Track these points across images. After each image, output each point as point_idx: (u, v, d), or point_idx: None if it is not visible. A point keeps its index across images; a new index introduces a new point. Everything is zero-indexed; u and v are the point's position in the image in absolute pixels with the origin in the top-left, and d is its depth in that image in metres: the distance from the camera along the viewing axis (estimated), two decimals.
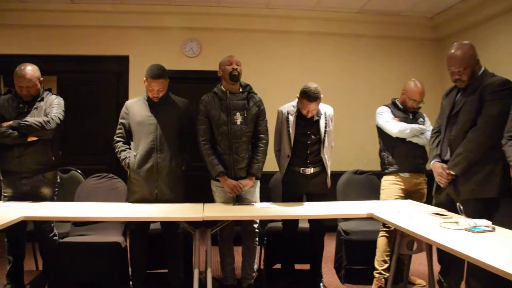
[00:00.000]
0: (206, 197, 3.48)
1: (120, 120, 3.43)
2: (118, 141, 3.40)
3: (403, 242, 2.85)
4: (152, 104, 3.35)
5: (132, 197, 3.37)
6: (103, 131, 5.46)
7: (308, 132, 3.46)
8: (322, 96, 3.32)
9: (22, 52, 5.47)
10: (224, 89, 3.39)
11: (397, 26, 6.06)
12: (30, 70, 3.36)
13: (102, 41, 5.74)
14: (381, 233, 3.60)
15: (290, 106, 3.53)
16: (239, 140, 3.33)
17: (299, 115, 3.45)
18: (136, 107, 3.38)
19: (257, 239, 3.52)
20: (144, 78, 3.29)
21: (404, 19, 6.02)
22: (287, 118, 3.49)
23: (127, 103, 3.46)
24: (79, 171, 4.21)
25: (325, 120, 3.50)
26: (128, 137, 3.42)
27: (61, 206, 3.27)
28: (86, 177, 4.00)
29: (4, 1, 5.47)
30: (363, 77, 6.03)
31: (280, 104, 3.65)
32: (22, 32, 5.67)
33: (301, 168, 3.48)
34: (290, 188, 3.57)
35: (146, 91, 3.32)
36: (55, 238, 3.54)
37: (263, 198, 3.65)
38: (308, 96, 3.27)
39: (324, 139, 3.47)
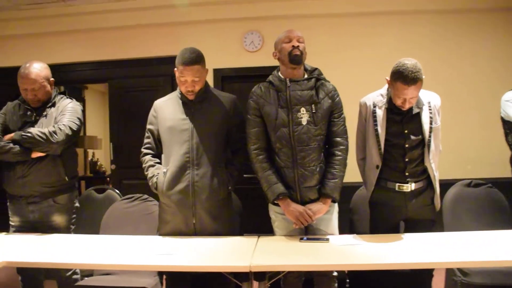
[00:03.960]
0: (264, 220, 2.58)
1: (148, 126, 2.62)
2: (146, 154, 2.59)
3: None
4: (187, 103, 2.50)
5: (163, 229, 2.52)
6: None
7: (406, 131, 2.42)
8: (423, 77, 2.28)
9: (70, 61, 5.17)
10: (282, 76, 2.45)
11: None
12: (36, 68, 2.66)
13: (152, 42, 5.17)
14: None
15: (377, 96, 2.52)
16: (306, 146, 2.35)
17: (391, 107, 2.44)
18: (167, 108, 2.55)
19: (336, 285, 2.51)
20: (175, 68, 2.46)
21: None
22: (374, 112, 2.48)
23: (156, 103, 2.64)
24: (116, 190, 3.48)
25: (430, 112, 2.44)
26: (159, 148, 2.60)
27: (70, 241, 2.50)
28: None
29: (48, 7, 5.09)
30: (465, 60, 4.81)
31: (357, 97, 2.67)
32: (65, 39, 5.25)
33: (397, 184, 2.46)
34: (381, 213, 2.54)
35: (178, 84, 2.48)
36: (75, 276, 2.81)
37: (342, 225, 2.66)
38: (405, 77, 2.24)
39: (429, 140, 2.41)
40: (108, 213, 3.00)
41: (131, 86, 5.15)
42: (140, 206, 2.97)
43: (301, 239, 2.32)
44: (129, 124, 5.01)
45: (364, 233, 2.51)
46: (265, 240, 2.34)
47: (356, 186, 3.15)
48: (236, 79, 4.85)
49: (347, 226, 3.08)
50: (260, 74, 4.86)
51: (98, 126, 8.19)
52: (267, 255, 2.07)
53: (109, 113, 5.17)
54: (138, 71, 5.16)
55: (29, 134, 2.54)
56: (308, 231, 2.44)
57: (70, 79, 5.28)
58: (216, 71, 4.86)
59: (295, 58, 2.39)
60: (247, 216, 3.07)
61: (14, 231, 2.75)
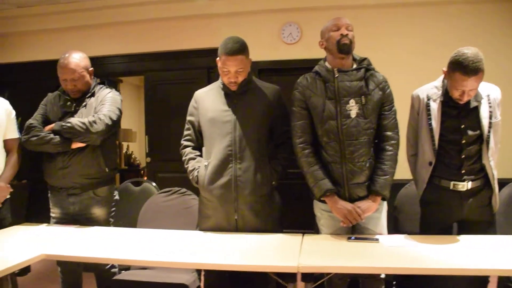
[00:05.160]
0: (307, 218, 2.45)
1: (188, 118, 2.53)
2: (186, 146, 2.50)
3: None
4: (230, 94, 2.39)
5: (204, 224, 2.44)
6: None
7: (463, 126, 2.25)
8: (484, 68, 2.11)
9: (106, 53, 5.15)
10: (329, 66, 2.32)
11: None
12: (75, 58, 2.61)
13: (188, 34, 5.10)
14: None
15: (431, 88, 2.35)
16: (355, 141, 2.22)
17: (447, 100, 2.27)
18: (208, 99, 2.45)
19: (383, 287, 2.38)
20: (218, 57, 2.36)
21: None
22: (428, 105, 2.32)
23: (197, 93, 2.55)
24: (153, 183, 3.41)
25: (489, 106, 2.26)
26: (200, 140, 2.51)
27: (109, 234, 2.45)
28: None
29: (85, 0, 5.11)
30: None
31: (407, 90, 2.50)
32: (102, 33, 5.25)
33: (452, 182, 2.29)
34: (433, 213, 2.38)
35: (221, 74, 2.38)
36: (113, 270, 2.77)
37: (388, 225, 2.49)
38: (464, 67, 2.07)
39: (488, 136, 2.24)
40: (146, 207, 2.94)
41: (167, 79, 5.09)
42: (178, 200, 2.89)
43: (349, 238, 2.18)
44: (164, 117, 4.97)
45: (410, 233, 2.36)
46: (310, 239, 2.21)
47: (401, 183, 2.99)
48: (274, 72, 4.73)
49: (391, 225, 2.93)
50: (298, 66, 4.77)
51: (132, 119, 8.23)
52: (314, 255, 1.95)
53: (145, 106, 5.13)
54: (174, 63, 5.10)
55: (69, 124, 2.50)
56: (355, 230, 2.31)
57: (106, 72, 5.26)
58: (253, 64, 4.70)
59: (344, 47, 2.25)
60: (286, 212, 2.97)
61: (55, 223, 2.72)
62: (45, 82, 4.97)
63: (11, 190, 2.58)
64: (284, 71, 4.76)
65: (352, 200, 2.24)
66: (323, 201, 2.28)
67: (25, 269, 3.48)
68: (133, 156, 7.91)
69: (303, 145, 2.28)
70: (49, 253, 2.04)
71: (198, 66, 5.03)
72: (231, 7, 4.93)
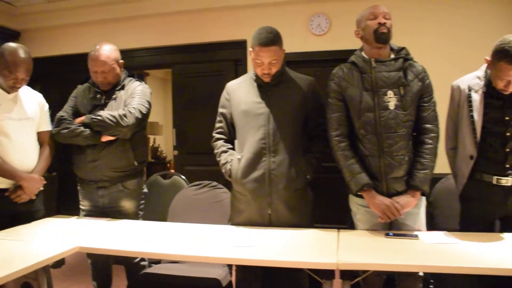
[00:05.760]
0: (342, 213, 2.39)
1: (220, 110, 2.48)
2: (218, 139, 2.46)
3: None
4: (263, 86, 2.34)
5: (236, 218, 2.40)
6: None
7: (507, 118, 2.15)
8: None
9: (134, 47, 5.14)
10: (366, 56, 2.24)
11: None
12: (106, 50, 2.60)
13: (215, 26, 5.05)
14: None
15: (472, 79, 2.25)
16: (394, 133, 2.13)
17: (490, 91, 2.17)
18: (240, 91, 2.40)
19: (421, 285, 2.29)
20: (250, 48, 2.30)
21: None
22: (469, 96, 2.22)
23: (229, 85, 2.49)
24: (182, 176, 3.39)
25: None
26: (232, 133, 2.46)
27: (140, 228, 2.44)
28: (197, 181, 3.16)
29: None
30: None
31: (447, 80, 2.40)
32: (130, 25, 5.25)
33: (495, 177, 2.19)
34: (474, 209, 2.28)
35: (254, 66, 2.32)
36: (142, 263, 2.77)
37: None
38: (511, 56, 1.96)
39: None
40: (176, 200, 2.92)
41: (194, 71, 5.06)
42: (209, 193, 2.85)
43: (387, 234, 2.11)
44: (192, 109, 4.95)
45: (446, 230, 2.27)
46: (347, 235, 2.15)
47: (437, 177, 2.89)
48: (302, 64, 4.64)
49: (426, 220, 2.84)
50: (326, 58, 4.69)
51: (158, 112, 8.26)
52: (352, 251, 1.88)
53: (172, 98, 5.12)
54: (201, 56, 5.07)
55: (99, 117, 2.49)
56: (392, 226, 2.23)
57: (134, 65, 5.27)
58: None
59: (382, 36, 2.17)
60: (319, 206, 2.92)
61: (85, 215, 2.73)
62: (74, 75, 5.03)
63: (45, 182, 2.59)
64: (313, 63, 4.68)
65: (390, 195, 2.16)
66: (360, 196, 2.21)
67: (60, 262, 3.51)
68: (159, 149, 7.95)
69: (339, 138, 2.21)
70: (83, 246, 2.03)
71: (226, 58, 4.98)
72: None
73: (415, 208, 2.18)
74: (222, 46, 5.05)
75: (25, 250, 1.95)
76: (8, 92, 2.50)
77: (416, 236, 2.08)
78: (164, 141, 8.40)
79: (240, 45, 4.96)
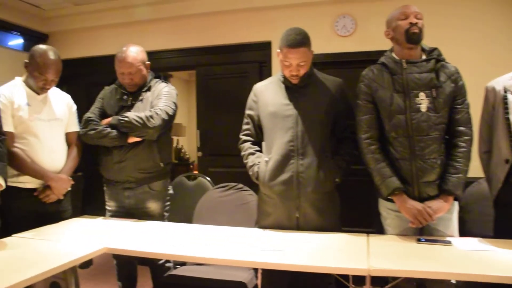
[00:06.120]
0: (370, 217, 2.31)
1: (247, 112, 2.46)
2: (245, 141, 2.44)
3: None
4: (291, 87, 2.31)
5: (263, 221, 2.37)
6: None
7: None
8: None
9: (158, 48, 5.16)
10: (397, 57, 2.19)
11: None
12: (132, 52, 2.61)
13: (239, 28, 5.03)
14: None
15: (509, 79, 2.18)
16: (426, 136, 2.07)
17: None
18: (268, 93, 2.38)
19: None
20: (278, 49, 2.27)
21: None
22: (505, 98, 2.14)
23: (256, 87, 2.47)
24: (207, 178, 3.38)
25: None
26: (259, 135, 2.44)
27: (165, 229, 2.43)
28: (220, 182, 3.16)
29: None
30: None
31: (480, 82, 2.33)
32: (154, 27, 5.29)
33: None
34: (510, 215, 2.19)
35: (282, 67, 2.29)
36: (168, 265, 2.77)
37: None
38: None
39: None
40: (202, 202, 2.91)
41: (218, 73, 5.04)
42: (235, 196, 2.83)
43: (419, 240, 2.05)
44: (216, 111, 4.94)
45: (478, 236, 2.20)
46: (377, 240, 2.10)
47: (469, 181, 2.81)
48: (327, 65, 4.56)
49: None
50: (352, 60, 4.63)
51: (182, 114, 8.30)
52: (383, 257, 1.83)
53: (197, 100, 5.12)
54: (226, 57, 5.04)
55: (126, 119, 2.50)
56: (424, 231, 2.17)
57: (158, 66, 5.29)
58: None
59: (413, 37, 2.11)
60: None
61: (111, 216, 2.74)
62: (100, 76, 5.09)
63: (72, 182, 2.61)
64: (338, 64, 4.60)
65: (422, 199, 2.10)
66: (390, 200, 2.16)
67: (88, 262, 3.54)
68: (182, 150, 7.99)
69: (369, 140, 2.17)
70: (111, 247, 2.03)
71: (250, 60, 4.95)
72: (283, 0, 4.84)
73: (447, 213, 2.12)
74: (246, 48, 5.03)
75: (54, 250, 1.97)
76: (38, 93, 2.54)
77: (449, 242, 2.02)
78: (187, 142, 8.44)
79: (264, 47, 4.94)
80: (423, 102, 2.09)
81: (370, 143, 2.16)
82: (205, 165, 4.96)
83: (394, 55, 2.21)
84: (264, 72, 4.92)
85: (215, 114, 4.92)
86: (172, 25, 5.24)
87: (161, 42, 5.20)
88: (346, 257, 1.86)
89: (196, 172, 5.27)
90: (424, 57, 2.18)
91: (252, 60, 4.95)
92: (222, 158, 4.84)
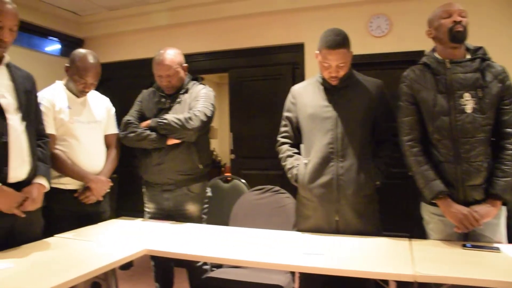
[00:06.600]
0: (406, 221, 2.25)
1: (285, 114, 2.44)
2: (283, 143, 2.42)
3: None
4: (330, 89, 2.28)
5: (302, 224, 2.34)
6: (277, 132, 4.64)
7: None
8: None
9: (191, 51, 5.19)
10: (439, 57, 2.13)
11: None
12: (170, 54, 2.63)
13: (272, 30, 5.05)
14: None
15: None
16: (472, 138, 2.00)
17: None
18: (306, 94, 2.35)
19: None
20: (317, 51, 2.25)
21: None
22: None
23: (294, 88, 2.45)
24: (242, 180, 3.38)
25: None
26: (297, 137, 2.41)
27: (204, 232, 2.43)
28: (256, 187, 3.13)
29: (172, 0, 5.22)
30: None
31: None
32: (187, 31, 5.37)
33: None
34: None
35: (320, 69, 2.26)
36: (205, 267, 2.76)
37: None
38: None
39: None
40: (238, 204, 2.89)
41: (251, 75, 5.05)
42: (271, 198, 2.80)
43: (464, 246, 1.98)
44: (249, 113, 4.95)
45: None
46: (420, 244, 2.04)
47: None
48: (361, 66, 4.47)
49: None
50: (387, 60, 4.56)
51: (214, 116, 8.36)
52: (428, 262, 1.77)
53: (229, 103, 5.14)
54: (258, 60, 5.06)
55: (165, 121, 2.52)
56: (469, 237, 2.09)
57: (191, 70, 5.34)
58: None
59: (457, 35, 2.05)
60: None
61: (149, 218, 2.76)
62: (135, 80, 5.18)
63: (111, 184, 2.65)
64: (373, 65, 4.55)
65: (467, 203, 2.03)
66: (433, 204, 2.09)
67: (128, 263, 3.58)
68: (214, 153, 8.04)
69: (411, 142, 2.11)
70: (151, 249, 2.04)
71: (283, 62, 4.95)
72: (315, 1, 4.81)
73: (494, 218, 2.03)
74: (279, 50, 5.04)
75: (95, 250, 1.99)
76: (78, 96, 2.58)
77: (497, 248, 1.94)
78: (218, 145, 8.48)
79: (297, 49, 4.93)
80: (468, 103, 2.02)
81: (413, 145, 2.11)
82: (238, 167, 4.97)
83: (436, 55, 2.15)
84: (297, 74, 4.91)
85: (248, 117, 4.93)
86: (205, 28, 5.29)
87: (193, 45, 5.25)
88: (390, 262, 1.82)
89: (227, 174, 5.30)
90: (468, 56, 2.11)
91: (285, 62, 4.94)
92: (255, 161, 4.84)
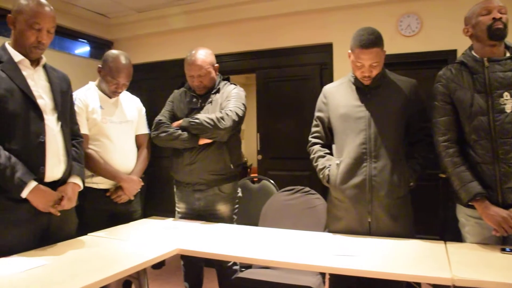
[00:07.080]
0: (440, 224, 2.22)
1: (317, 114, 2.42)
2: (315, 144, 2.40)
3: None
4: (362, 89, 2.25)
5: (333, 225, 2.31)
6: (306, 132, 4.59)
7: None
8: None
9: (220, 52, 5.18)
10: (477, 55, 2.07)
11: None
12: (202, 54, 2.64)
13: (300, 30, 5.01)
14: None
15: None
16: (511, 139, 1.95)
17: None
18: (338, 94, 2.32)
19: None
20: (349, 50, 2.22)
21: None
22: None
23: (326, 88, 2.43)
24: (271, 181, 3.37)
25: None
26: (329, 138, 2.39)
27: (235, 232, 2.43)
28: (283, 187, 3.12)
29: (200, 1, 5.25)
30: None
31: None
32: (215, 31, 5.38)
33: None
34: None
35: (353, 69, 2.23)
36: (234, 267, 2.76)
37: None
38: None
39: None
40: (268, 205, 2.89)
41: (278, 76, 5.03)
42: (301, 199, 2.78)
43: (503, 250, 1.92)
44: (276, 114, 4.93)
45: None
46: (456, 247, 1.99)
47: None
48: (391, 66, 4.40)
49: None
50: (417, 60, 4.47)
51: None
52: (466, 266, 1.72)
53: (257, 103, 5.13)
54: (285, 60, 5.03)
55: (197, 121, 2.53)
56: (507, 241, 2.03)
57: (219, 70, 5.38)
58: None
59: (497, 32, 1.99)
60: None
61: (180, 218, 2.77)
62: (163, 80, 5.23)
63: (142, 183, 2.67)
64: (402, 65, 4.45)
65: (506, 206, 1.96)
66: (470, 206, 2.04)
67: (161, 262, 3.61)
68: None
69: (447, 143, 2.06)
70: (183, 248, 2.05)
71: (311, 62, 4.91)
72: (344, 1, 4.75)
73: None
74: (307, 50, 5.00)
75: (127, 249, 2.02)
76: (110, 97, 2.62)
77: None
78: (245, 145, 8.48)
79: (326, 49, 4.88)
80: (507, 102, 1.96)
81: (448, 146, 2.06)
82: (265, 168, 4.96)
83: (474, 53, 2.09)
84: (325, 74, 4.86)
85: (276, 117, 4.91)
86: (232, 29, 5.30)
87: (221, 45, 5.25)
88: (425, 264, 1.77)
89: (254, 175, 5.30)
90: (508, 54, 2.05)
91: (313, 63, 4.90)
92: (282, 161, 4.82)
